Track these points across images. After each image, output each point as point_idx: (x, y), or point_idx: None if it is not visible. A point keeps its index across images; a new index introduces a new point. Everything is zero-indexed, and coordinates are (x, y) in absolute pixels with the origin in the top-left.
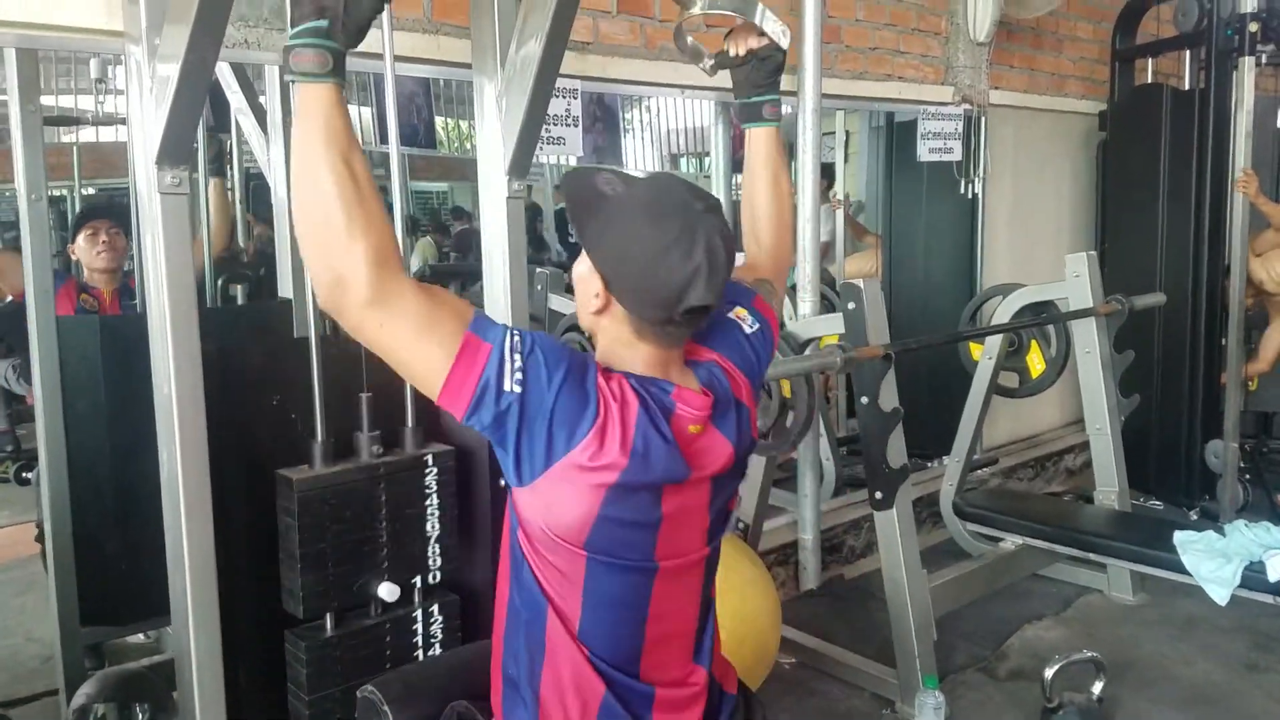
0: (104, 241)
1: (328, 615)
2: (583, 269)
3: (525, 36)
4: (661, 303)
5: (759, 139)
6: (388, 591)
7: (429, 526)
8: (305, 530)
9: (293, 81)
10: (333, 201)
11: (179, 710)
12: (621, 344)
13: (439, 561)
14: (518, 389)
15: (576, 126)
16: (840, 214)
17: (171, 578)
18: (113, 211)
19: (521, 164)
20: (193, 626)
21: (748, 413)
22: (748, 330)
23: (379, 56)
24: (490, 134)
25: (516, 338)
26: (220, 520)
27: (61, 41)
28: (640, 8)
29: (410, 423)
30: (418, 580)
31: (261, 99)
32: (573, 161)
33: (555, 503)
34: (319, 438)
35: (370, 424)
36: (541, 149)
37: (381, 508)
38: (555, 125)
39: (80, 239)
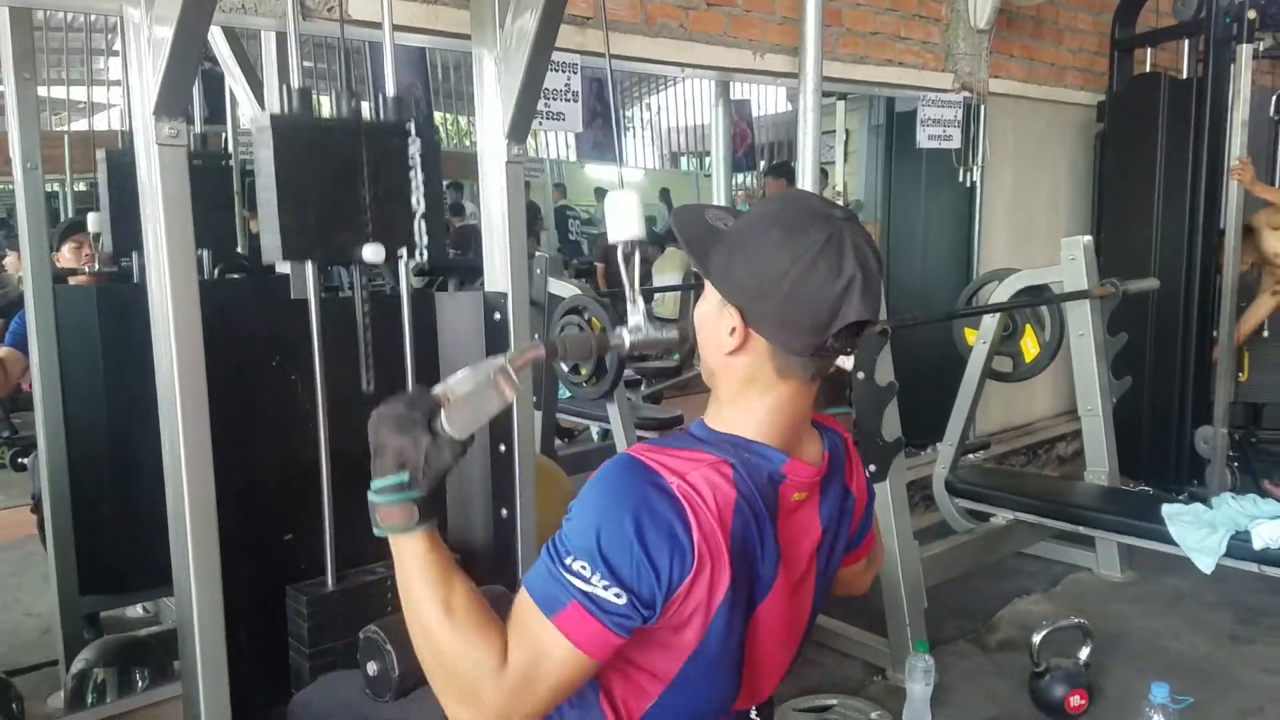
0: (87, 255)
1: (328, 567)
2: (708, 306)
3: (524, 5)
4: (813, 325)
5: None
6: (372, 252)
7: (414, 200)
8: (283, 175)
9: (383, 535)
10: (442, 649)
11: (180, 677)
12: (759, 384)
13: (425, 239)
14: (622, 599)
15: (576, 102)
16: None
17: (174, 547)
18: None
19: (520, 128)
20: (195, 595)
21: (854, 504)
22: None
23: (377, 26)
24: (489, 98)
25: (570, 561)
26: (218, 479)
27: (57, 2)
28: None
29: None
30: (403, 253)
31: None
32: (572, 139)
33: (650, 652)
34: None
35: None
36: (541, 124)
37: (363, 167)
38: (555, 100)
39: (65, 249)
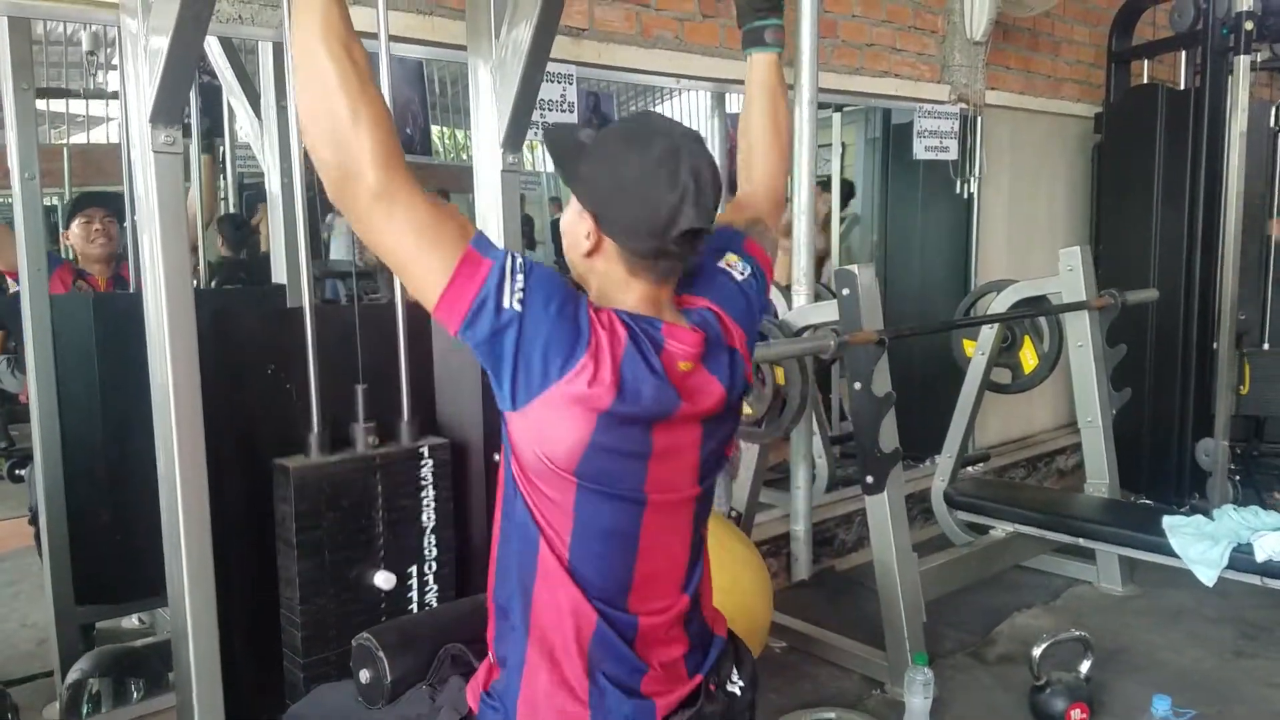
0: (98, 230)
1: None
2: (571, 213)
3: (518, 17)
4: (652, 230)
5: (759, 65)
6: (384, 580)
7: (425, 518)
8: (302, 518)
9: None
10: (335, 90)
11: (175, 688)
12: (614, 284)
13: (435, 551)
14: (518, 307)
15: (572, 113)
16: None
17: (168, 558)
18: (107, 200)
19: (515, 137)
20: (190, 606)
21: (741, 359)
22: (738, 277)
23: (374, 36)
24: (485, 107)
25: (518, 259)
26: (213, 487)
27: (54, 12)
28: None
29: (405, 415)
30: (414, 569)
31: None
32: None
33: (547, 429)
34: (315, 428)
35: (366, 414)
36: (536, 134)
37: (377, 499)
38: (551, 111)
39: (75, 226)
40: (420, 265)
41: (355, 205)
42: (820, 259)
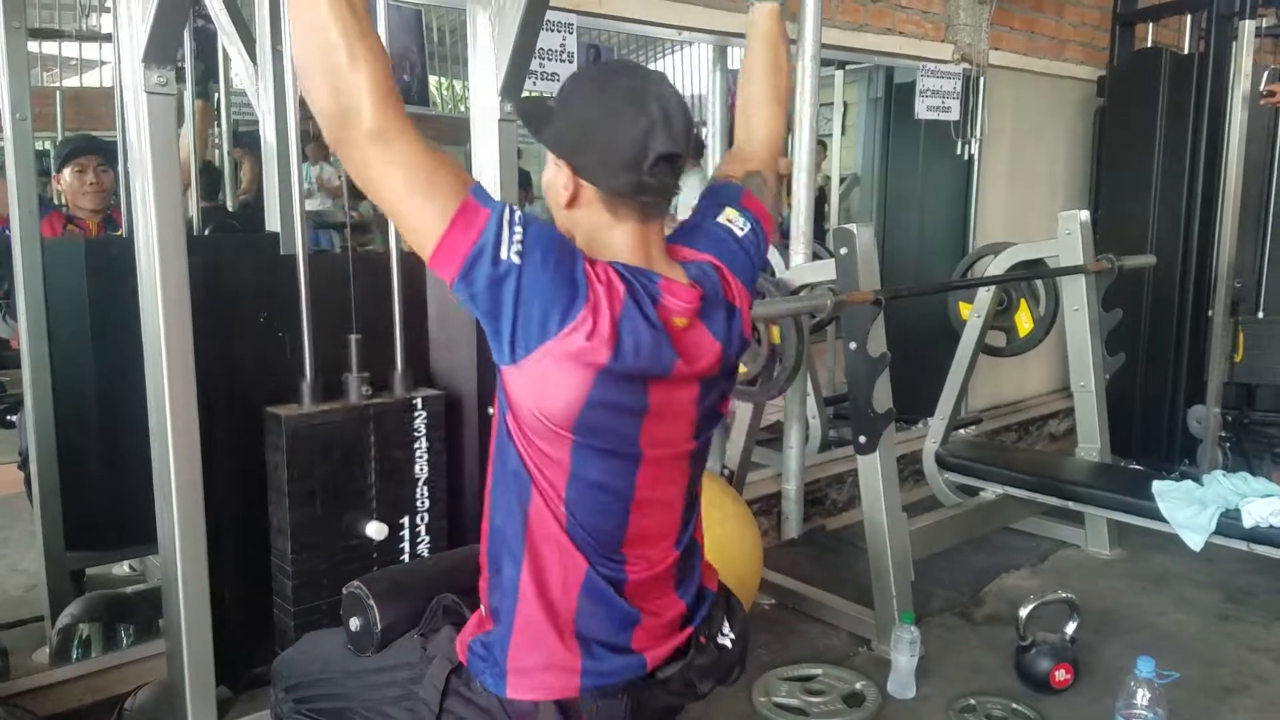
0: (91, 183)
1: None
2: (548, 168)
3: None
4: (626, 162)
5: (760, 14)
6: (376, 530)
7: (417, 469)
8: (294, 467)
9: None
10: (331, 26)
11: (165, 634)
12: (600, 230)
13: (427, 503)
14: (517, 259)
15: (571, 63)
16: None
17: (159, 506)
18: (100, 148)
19: (513, 85)
20: (180, 553)
21: (739, 315)
22: (739, 232)
23: None
24: (483, 54)
25: (516, 212)
26: (204, 435)
27: None
28: None
29: (399, 365)
30: (406, 521)
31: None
32: None
33: (544, 383)
34: (307, 376)
35: (359, 365)
36: (535, 84)
37: (370, 449)
38: (549, 60)
39: (67, 173)
40: (417, 211)
41: (353, 149)
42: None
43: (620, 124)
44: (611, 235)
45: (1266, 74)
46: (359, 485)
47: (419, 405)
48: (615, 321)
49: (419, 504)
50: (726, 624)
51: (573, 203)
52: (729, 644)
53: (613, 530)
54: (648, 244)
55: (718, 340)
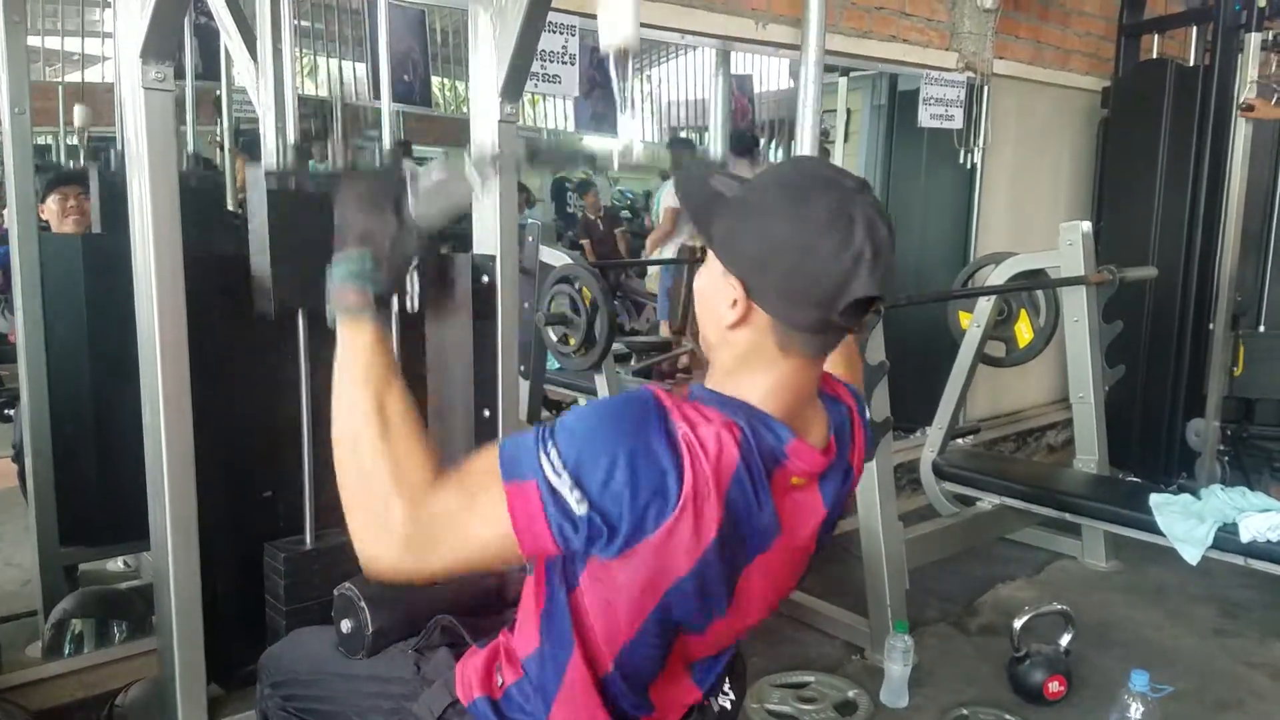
0: (72, 206)
1: (307, 525)
2: (710, 277)
3: None
4: (818, 300)
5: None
6: None
7: None
8: (276, 234)
9: (334, 317)
10: (364, 453)
11: (156, 631)
12: (760, 359)
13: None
14: (584, 508)
15: (573, 65)
16: None
17: (151, 501)
18: (79, 177)
19: (514, 86)
20: (172, 549)
21: (853, 479)
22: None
23: None
24: (483, 54)
25: (553, 452)
26: (197, 433)
27: None
28: None
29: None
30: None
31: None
32: (571, 110)
33: (628, 588)
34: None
35: None
36: (536, 85)
37: None
38: (551, 63)
39: (50, 201)
40: (489, 546)
41: (393, 568)
42: None
43: (820, 251)
44: (770, 370)
45: (1249, 86)
46: None
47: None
48: (723, 496)
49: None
50: (729, 681)
51: (738, 325)
52: (728, 705)
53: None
54: (803, 385)
55: (824, 506)
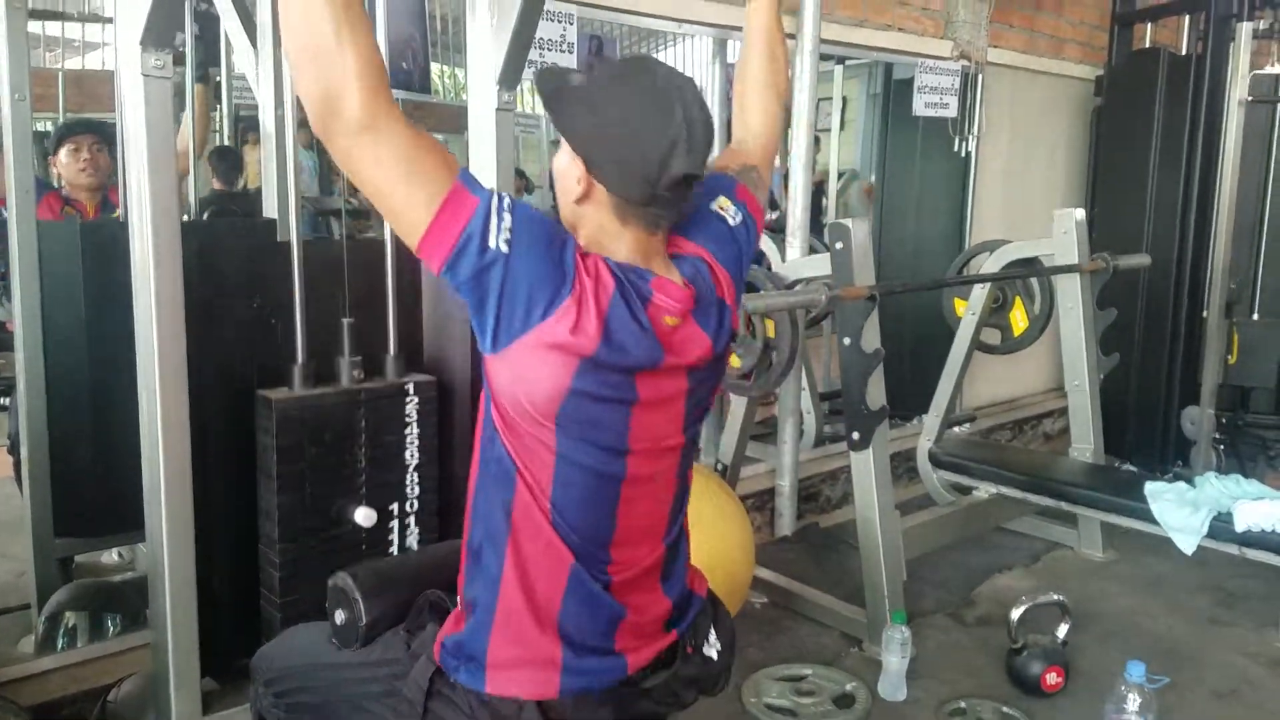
0: (87, 159)
1: None
2: (562, 159)
3: None
4: (644, 176)
5: (758, 8)
6: (364, 516)
7: (408, 455)
8: (283, 451)
9: None
10: (320, 9)
11: (150, 625)
12: (605, 233)
13: (417, 490)
14: (505, 248)
15: (571, 53)
16: None
17: (147, 493)
18: (96, 127)
19: (511, 74)
20: (167, 542)
21: (729, 310)
22: (731, 223)
23: None
24: (481, 42)
25: (505, 199)
26: (194, 422)
27: None
28: None
29: (392, 350)
30: (395, 508)
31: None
32: None
33: (528, 371)
34: (299, 359)
35: (352, 349)
36: (533, 76)
37: (361, 433)
38: (550, 51)
39: (63, 153)
40: (404, 200)
41: (339, 138)
42: None
43: (643, 132)
44: (617, 239)
45: (1250, 78)
46: (349, 470)
47: (411, 390)
48: (603, 316)
49: (409, 490)
50: (713, 632)
51: (583, 199)
52: (715, 655)
53: (600, 526)
54: (649, 249)
55: (707, 335)
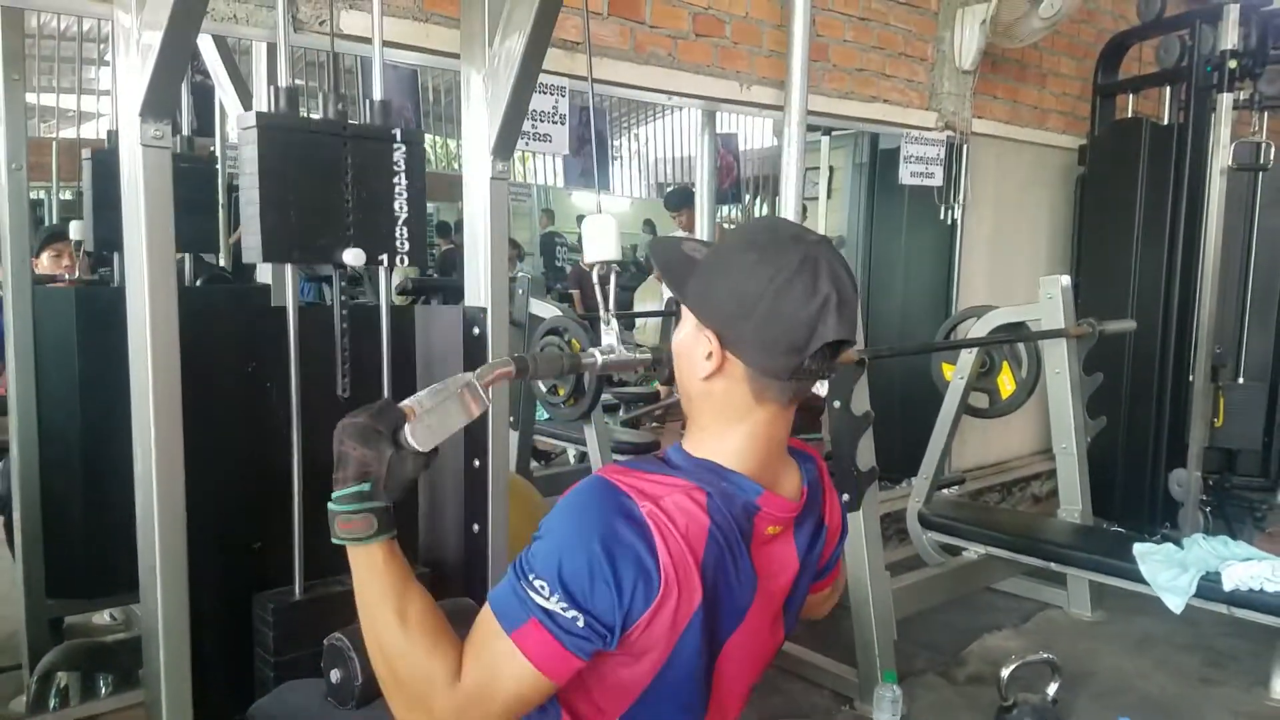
0: (66, 264)
1: (296, 576)
2: (685, 332)
3: (512, 27)
4: (790, 345)
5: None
6: (353, 256)
7: (397, 206)
8: (267, 174)
9: (341, 544)
10: (395, 659)
11: (144, 684)
12: (734, 411)
13: (406, 246)
14: (582, 622)
15: (563, 125)
16: None
17: (141, 556)
18: (66, 234)
19: (505, 145)
20: (161, 601)
21: (825, 537)
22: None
23: (368, 41)
24: (476, 114)
25: (536, 581)
26: (189, 486)
27: (48, 3)
28: (632, 11)
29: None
30: (384, 258)
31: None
32: (560, 167)
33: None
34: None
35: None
36: (527, 144)
37: (347, 170)
38: (542, 122)
39: (45, 256)
40: (524, 687)
41: None
42: None
43: (789, 301)
44: (744, 419)
45: (1234, 146)
46: (336, 210)
47: (398, 137)
48: (700, 566)
49: (398, 244)
50: None
51: (713, 375)
52: None
53: None
54: (774, 432)
55: (797, 556)
